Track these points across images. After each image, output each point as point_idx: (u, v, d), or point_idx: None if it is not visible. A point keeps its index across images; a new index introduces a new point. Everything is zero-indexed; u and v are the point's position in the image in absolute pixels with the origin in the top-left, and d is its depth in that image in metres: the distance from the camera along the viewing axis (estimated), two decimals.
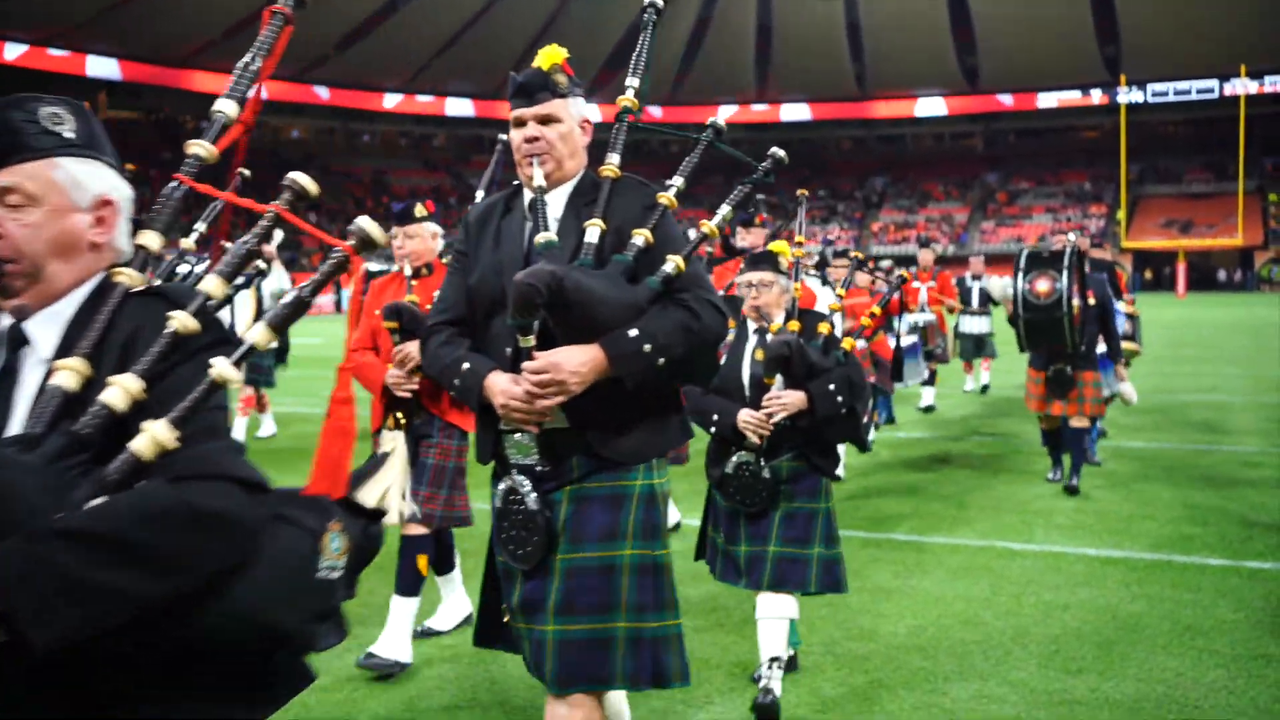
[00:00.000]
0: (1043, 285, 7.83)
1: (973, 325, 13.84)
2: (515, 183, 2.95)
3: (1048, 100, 68.29)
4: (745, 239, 7.42)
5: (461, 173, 73.51)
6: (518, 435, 2.77)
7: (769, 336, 4.27)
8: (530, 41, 58.51)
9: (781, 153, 3.30)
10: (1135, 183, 64.53)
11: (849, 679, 4.57)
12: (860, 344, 9.20)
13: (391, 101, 66.36)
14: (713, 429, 4.22)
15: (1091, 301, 8.23)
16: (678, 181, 3.03)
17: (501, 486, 2.83)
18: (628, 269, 2.77)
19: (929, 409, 13.21)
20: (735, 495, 4.19)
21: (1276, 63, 60.09)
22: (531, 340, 2.64)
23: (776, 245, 4.44)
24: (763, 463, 4.16)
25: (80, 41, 54.89)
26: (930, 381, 13.23)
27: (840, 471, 8.87)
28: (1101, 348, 8.67)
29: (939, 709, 4.25)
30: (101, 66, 56.97)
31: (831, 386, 4.10)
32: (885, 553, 6.60)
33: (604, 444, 2.76)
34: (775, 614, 4.21)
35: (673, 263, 2.79)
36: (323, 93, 64.28)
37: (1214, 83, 62.80)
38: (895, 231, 66.45)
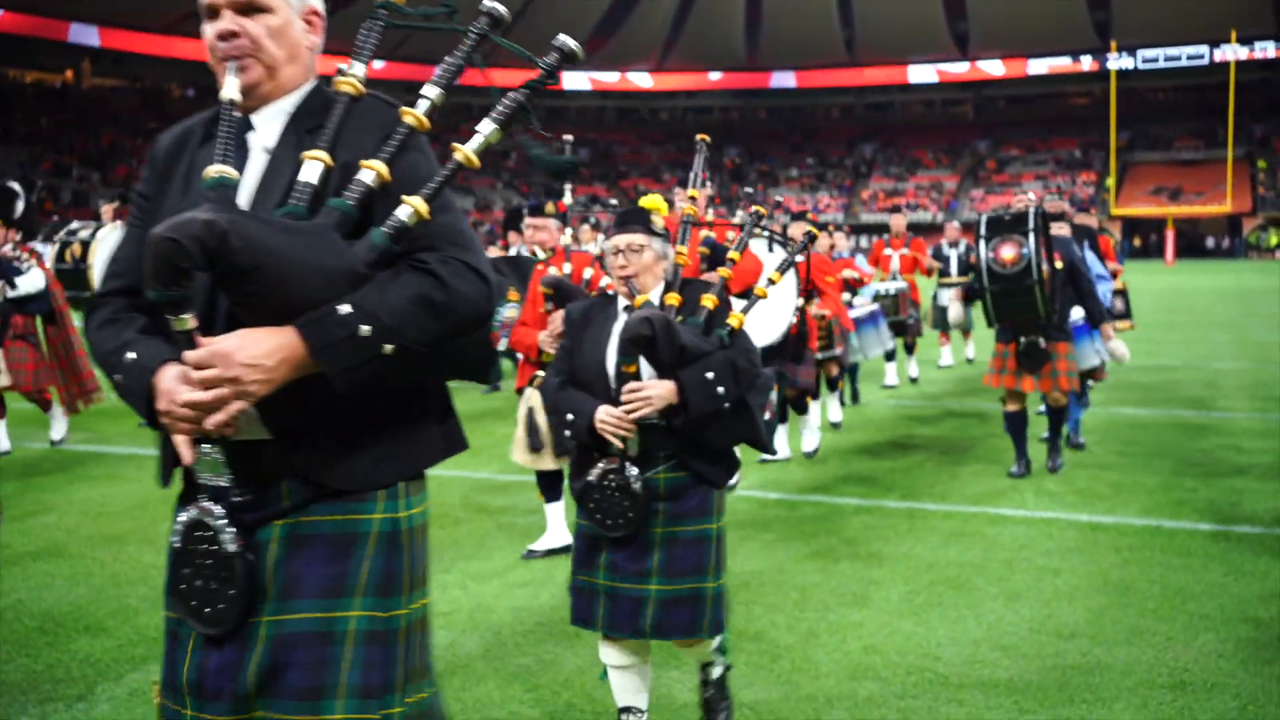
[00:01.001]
0: (1008, 252, 7.02)
1: (948, 296, 13.46)
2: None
3: (1038, 67, 68.16)
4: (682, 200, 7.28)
5: (449, 140, 72.98)
6: (205, 447, 1.97)
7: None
8: (518, 10, 58.08)
9: (572, 43, 2.13)
10: (1125, 150, 64.53)
11: (842, 645, 4.59)
12: (814, 310, 8.48)
13: (376, 68, 65.91)
14: (568, 431, 3.42)
15: (1059, 265, 7.49)
16: (431, 93, 2.13)
17: (184, 518, 2.01)
18: (346, 218, 1.96)
19: (913, 380, 12.89)
20: (596, 514, 3.35)
21: (1266, 29, 60.05)
22: (189, 322, 1.87)
23: (649, 201, 3.73)
24: (633, 472, 3.32)
25: (61, 7, 54.32)
26: (910, 350, 12.78)
27: (815, 444, 8.72)
28: (1077, 314, 8.00)
29: (932, 673, 4.28)
30: (82, 33, 56.41)
31: (709, 375, 3.27)
32: (878, 519, 6.63)
33: (320, 466, 2.00)
34: (696, 655, 3.73)
35: (409, 208, 1.97)
36: None
37: (1204, 49, 62.80)
38: (885, 199, 66.35)
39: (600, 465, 3.35)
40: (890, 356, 12.29)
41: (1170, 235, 55.88)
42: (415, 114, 2.08)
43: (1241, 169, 59.33)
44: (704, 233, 6.18)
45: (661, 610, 3.33)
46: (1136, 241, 62.13)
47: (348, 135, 2.06)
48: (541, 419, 5.75)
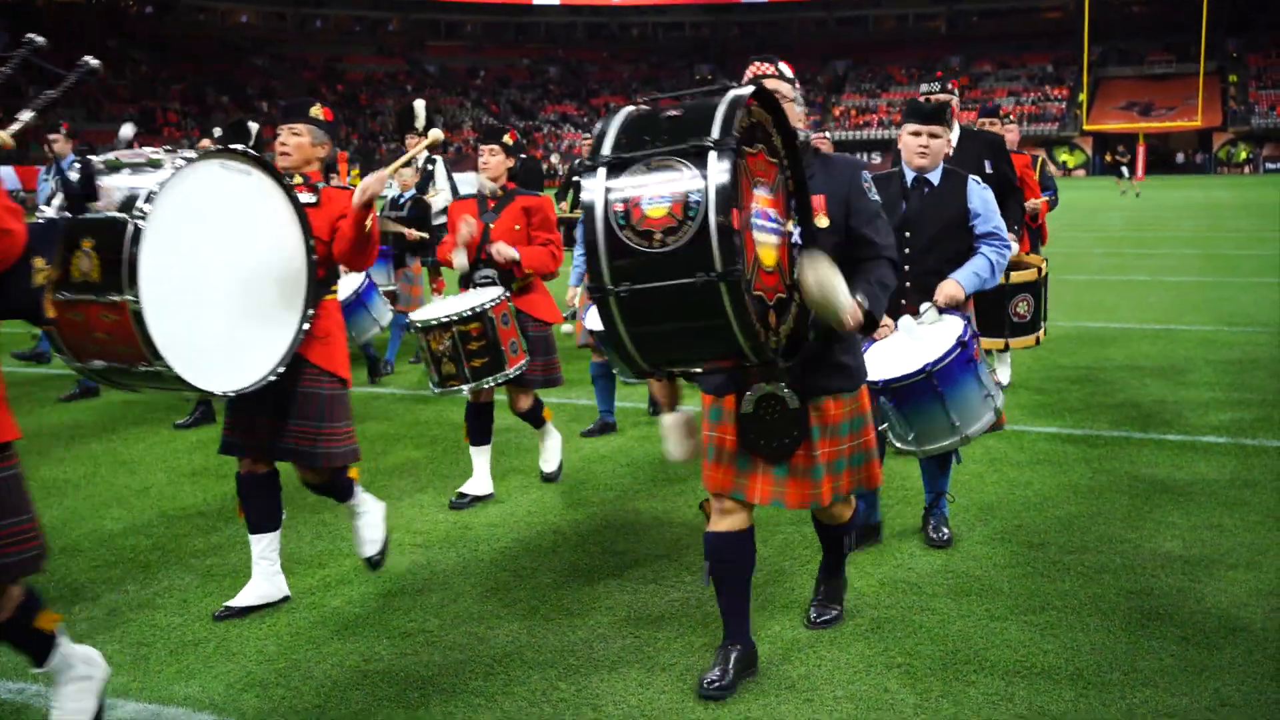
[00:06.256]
0: (654, 203, 2.82)
1: None
2: None
3: None
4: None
5: (418, 58, 71.81)
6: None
7: None
8: None
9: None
10: (1097, 64, 64.19)
11: (817, 556, 4.63)
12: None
13: None
14: None
15: (825, 223, 3.48)
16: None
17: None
18: None
19: None
20: None
21: None
22: None
23: None
24: None
25: None
26: None
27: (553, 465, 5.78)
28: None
29: (905, 583, 4.34)
30: None
31: None
32: None
33: None
34: None
35: None
36: None
37: None
38: (857, 116, 65.91)
39: None
40: None
41: (1141, 151, 55.85)
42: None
43: (1212, 84, 59.20)
44: None
45: None
46: (1108, 157, 62.15)
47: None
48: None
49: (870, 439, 3.67)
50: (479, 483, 5.62)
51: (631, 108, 3.07)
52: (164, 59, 60.30)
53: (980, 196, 4.67)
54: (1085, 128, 58.00)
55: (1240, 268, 15.28)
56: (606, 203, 2.86)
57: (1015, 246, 5.05)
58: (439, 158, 9.61)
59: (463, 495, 5.53)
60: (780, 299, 3.09)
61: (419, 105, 9.34)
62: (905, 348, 3.79)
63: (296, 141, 4.28)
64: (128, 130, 8.08)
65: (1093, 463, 5.94)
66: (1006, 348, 6.74)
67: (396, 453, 6.59)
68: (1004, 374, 7.79)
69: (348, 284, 7.82)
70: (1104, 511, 5.14)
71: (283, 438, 4.13)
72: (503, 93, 71.71)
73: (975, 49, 71.21)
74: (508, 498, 5.61)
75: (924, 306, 4.45)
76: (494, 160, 5.58)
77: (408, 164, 7.50)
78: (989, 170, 5.84)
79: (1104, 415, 7.00)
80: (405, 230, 8.66)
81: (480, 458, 5.64)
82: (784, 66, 3.66)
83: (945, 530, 4.81)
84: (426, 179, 9.35)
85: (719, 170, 2.77)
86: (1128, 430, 6.60)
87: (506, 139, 5.62)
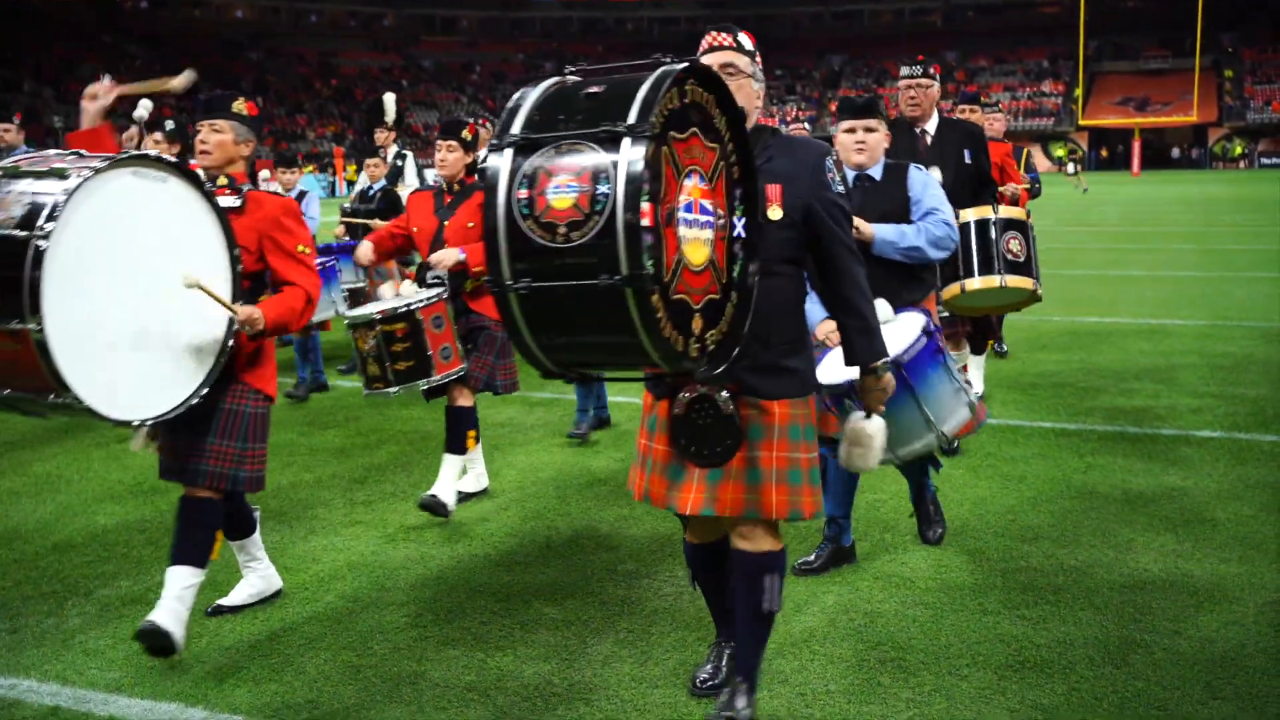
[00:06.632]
0: (560, 193, 2.50)
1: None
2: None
3: None
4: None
5: (412, 54, 71.72)
6: None
7: None
8: None
9: None
10: (1093, 59, 64.21)
11: (806, 547, 4.64)
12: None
13: None
14: None
15: (778, 214, 3.12)
16: None
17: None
18: None
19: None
20: None
21: None
22: None
23: None
24: None
25: None
26: None
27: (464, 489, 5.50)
28: (884, 310, 4.10)
29: (898, 578, 4.35)
30: None
31: None
32: None
33: None
34: None
35: None
36: None
37: None
38: None
39: None
40: None
41: (1136, 146, 55.91)
42: None
43: (1208, 79, 59.24)
44: None
45: None
46: (1103, 152, 62.19)
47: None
48: None
49: (815, 457, 3.22)
50: (472, 479, 5.62)
51: (553, 80, 2.74)
52: (159, 54, 60.12)
53: (921, 182, 4.51)
54: (1081, 123, 58.02)
55: (1235, 262, 15.30)
56: (510, 188, 2.54)
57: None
58: (409, 153, 9.60)
59: (457, 492, 5.52)
60: (711, 300, 2.73)
61: (389, 99, 9.28)
62: None
63: (218, 139, 3.96)
64: (143, 110, 7.76)
65: (1086, 457, 5.95)
66: (1003, 286, 5.76)
67: (390, 448, 6.59)
68: (976, 380, 7.07)
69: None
70: (1097, 506, 5.15)
71: (199, 457, 3.78)
72: (498, 88, 71.65)
73: (971, 44, 71.20)
74: (501, 493, 5.61)
75: (878, 303, 4.32)
76: (451, 156, 5.28)
77: None
78: (968, 160, 5.70)
79: (1098, 410, 7.00)
80: (371, 222, 8.49)
81: (472, 455, 5.63)
82: (744, 37, 3.30)
83: (940, 527, 4.81)
84: (396, 174, 9.33)
85: (631, 160, 2.44)
86: (1121, 425, 6.61)
87: (465, 134, 5.33)
